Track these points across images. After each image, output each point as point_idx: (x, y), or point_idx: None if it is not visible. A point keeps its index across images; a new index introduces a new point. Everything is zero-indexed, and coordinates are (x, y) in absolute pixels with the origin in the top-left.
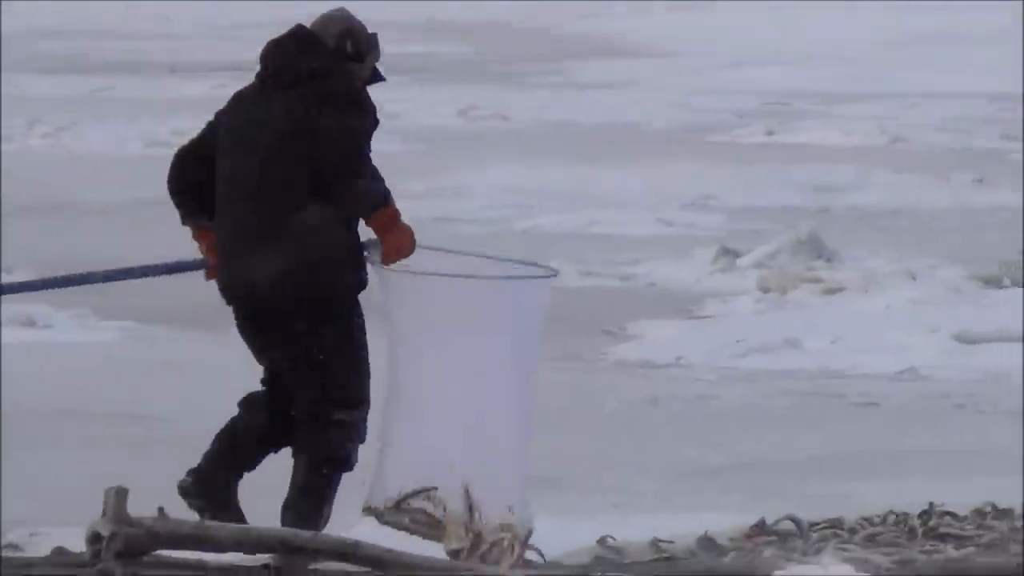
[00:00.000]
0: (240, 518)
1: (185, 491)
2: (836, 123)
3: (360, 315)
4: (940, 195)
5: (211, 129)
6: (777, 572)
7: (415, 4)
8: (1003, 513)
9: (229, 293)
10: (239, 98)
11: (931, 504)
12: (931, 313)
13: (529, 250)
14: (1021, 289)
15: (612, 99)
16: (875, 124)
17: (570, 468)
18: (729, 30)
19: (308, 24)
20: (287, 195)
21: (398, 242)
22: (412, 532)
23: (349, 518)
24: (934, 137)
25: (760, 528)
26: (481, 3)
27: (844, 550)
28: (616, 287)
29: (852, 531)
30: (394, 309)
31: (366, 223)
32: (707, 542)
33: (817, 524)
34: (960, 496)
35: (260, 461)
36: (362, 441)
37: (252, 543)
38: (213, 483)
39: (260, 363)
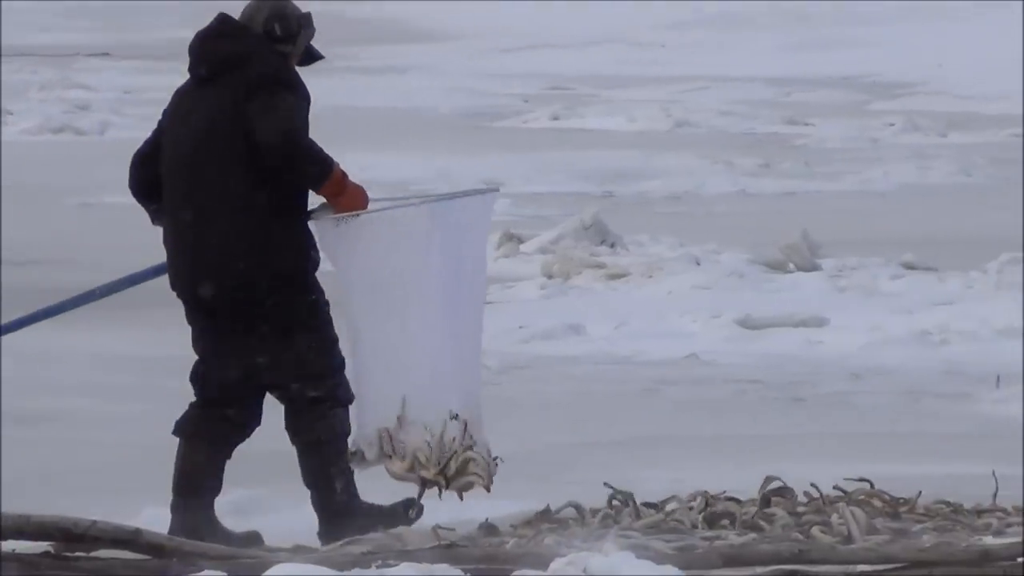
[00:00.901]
0: (227, 537)
1: None
2: (621, 108)
3: (319, 291)
4: (724, 180)
5: (159, 129)
6: (557, 558)
7: None
8: (781, 493)
9: (180, 289)
10: (177, 94)
11: (706, 492)
12: (714, 298)
13: None
14: (804, 273)
15: (397, 84)
16: (659, 108)
17: None
18: (514, 14)
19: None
20: (225, 185)
21: (351, 204)
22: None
23: (132, 507)
24: (718, 122)
25: (543, 515)
26: None
27: (625, 536)
28: None
29: (635, 517)
30: (339, 260)
31: (316, 193)
32: (489, 528)
33: (599, 510)
34: (742, 482)
35: (222, 475)
36: (349, 402)
37: (33, 530)
38: (199, 533)
39: (206, 354)
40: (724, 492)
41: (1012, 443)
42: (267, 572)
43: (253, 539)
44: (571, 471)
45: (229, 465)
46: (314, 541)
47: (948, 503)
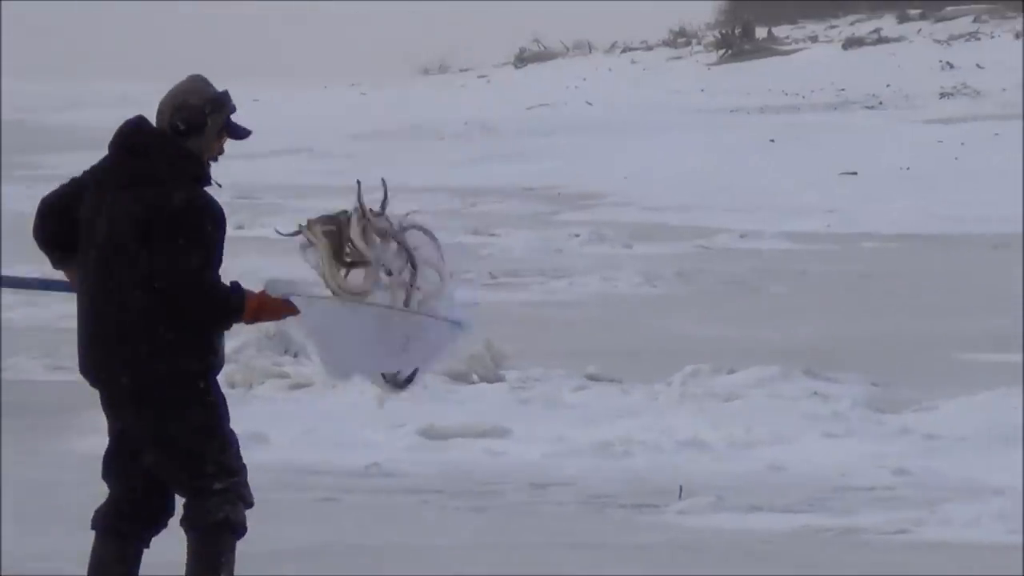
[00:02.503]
0: None
1: None
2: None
3: (218, 393)
4: None
5: (77, 187)
6: None
7: None
8: None
9: (90, 378)
10: (99, 172)
11: None
12: (397, 408)
13: None
14: (487, 384)
15: None
16: None
17: (33, 565)
18: None
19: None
20: (130, 291)
21: (273, 316)
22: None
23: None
24: None
25: None
26: None
27: None
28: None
29: None
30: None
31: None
32: None
33: None
34: None
35: (137, 570)
36: (248, 505)
37: None
38: None
39: (111, 449)
40: None
41: (696, 554)
42: None
43: None
44: None
45: None
46: None
47: None
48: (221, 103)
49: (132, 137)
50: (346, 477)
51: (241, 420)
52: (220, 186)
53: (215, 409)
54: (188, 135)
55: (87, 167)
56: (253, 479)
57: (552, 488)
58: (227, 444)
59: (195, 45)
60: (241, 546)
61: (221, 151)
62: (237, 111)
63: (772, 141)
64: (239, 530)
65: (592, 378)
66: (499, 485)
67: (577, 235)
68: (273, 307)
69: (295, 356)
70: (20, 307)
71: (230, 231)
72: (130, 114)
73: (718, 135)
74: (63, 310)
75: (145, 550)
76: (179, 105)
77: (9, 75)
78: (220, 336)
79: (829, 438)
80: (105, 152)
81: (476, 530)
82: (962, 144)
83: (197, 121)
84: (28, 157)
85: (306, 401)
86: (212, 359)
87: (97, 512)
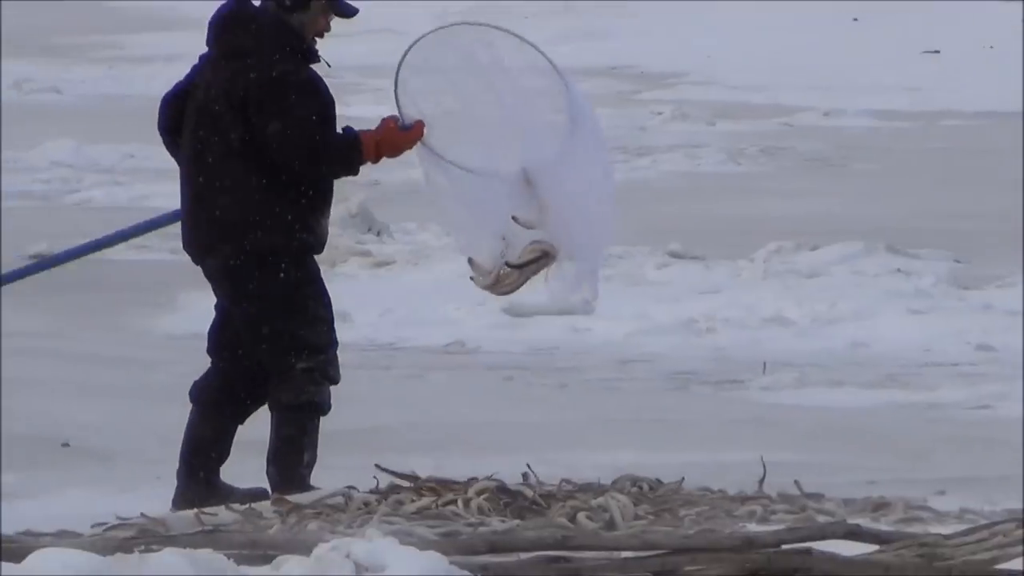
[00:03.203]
0: (237, 493)
1: None
2: (388, 96)
3: (308, 271)
4: None
5: (191, 76)
6: (321, 544)
7: None
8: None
9: (189, 252)
10: (204, 56)
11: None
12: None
13: (80, 224)
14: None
15: (166, 72)
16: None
17: (119, 442)
18: None
19: None
20: (222, 164)
21: (395, 151)
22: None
23: None
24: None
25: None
26: None
27: (389, 522)
28: (166, 260)
29: (399, 503)
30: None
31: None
32: (251, 513)
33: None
34: (508, 467)
35: (230, 443)
36: (333, 383)
37: None
38: (201, 501)
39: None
40: (496, 473)
41: (779, 430)
42: (29, 557)
43: (258, 495)
44: (337, 456)
45: None
46: (79, 526)
47: (712, 490)
48: None
49: (234, 12)
50: (429, 355)
51: None
52: (330, 65)
53: (301, 287)
54: (292, 10)
55: (168, 48)
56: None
57: (635, 365)
58: (313, 321)
59: None
60: (326, 423)
61: (327, 28)
62: None
63: (855, 20)
64: (323, 408)
65: (675, 255)
66: (582, 362)
67: (660, 113)
68: (393, 140)
69: (378, 234)
70: (103, 186)
71: None
72: None
73: (801, 13)
74: (145, 190)
75: (240, 426)
76: None
77: None
78: (319, 214)
79: (912, 314)
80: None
81: (559, 407)
82: None
83: None
84: (112, 37)
85: (388, 279)
86: (304, 236)
87: (196, 384)
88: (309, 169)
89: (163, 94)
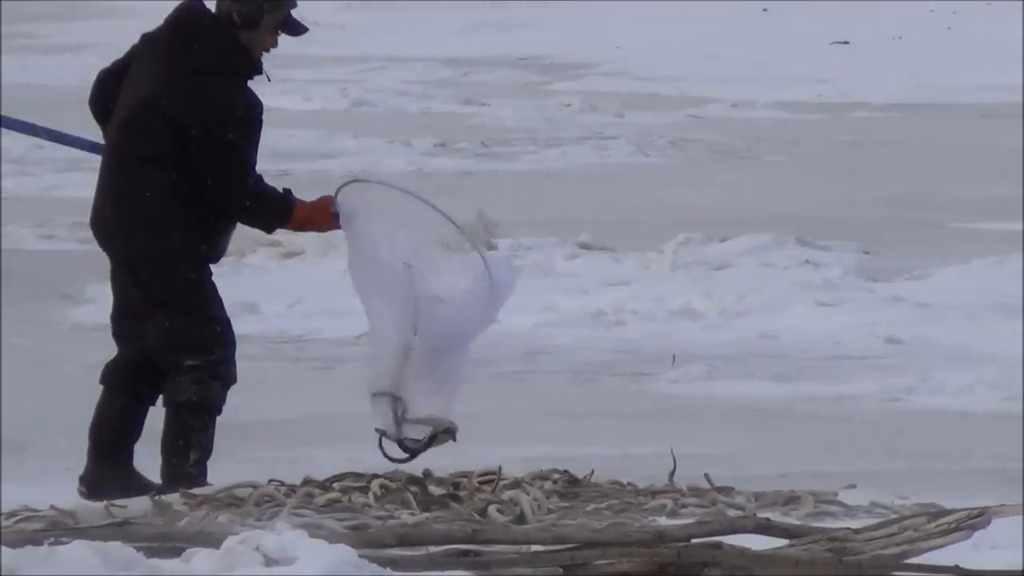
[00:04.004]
0: (146, 485)
1: (86, 497)
2: (297, 87)
3: (201, 275)
4: (400, 159)
5: (129, 58)
6: (230, 536)
7: None
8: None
9: (97, 237)
10: (144, 43)
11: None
12: None
13: None
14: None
15: (73, 62)
16: (336, 88)
17: (29, 433)
18: None
19: None
20: (137, 161)
21: (318, 229)
22: None
23: None
24: (395, 101)
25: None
26: None
27: (299, 515)
28: (76, 250)
29: (309, 496)
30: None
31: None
32: (161, 506)
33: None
34: (421, 461)
35: (142, 425)
36: (224, 383)
37: None
38: (107, 480)
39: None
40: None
41: (688, 423)
42: None
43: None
44: (244, 449)
45: None
46: None
47: (622, 483)
48: None
49: (185, 18)
50: (338, 346)
51: (232, 289)
52: (270, 79)
53: (193, 289)
54: (243, 28)
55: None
56: (244, 349)
57: (544, 357)
58: (203, 321)
59: None
60: (233, 416)
61: (274, 45)
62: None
63: (765, 11)
64: (209, 407)
65: (584, 247)
66: (491, 354)
67: (569, 104)
68: (321, 220)
69: None
70: (11, 176)
71: None
72: None
73: (711, 4)
74: (55, 180)
75: (152, 407)
76: None
77: None
78: (223, 231)
79: (821, 306)
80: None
81: (467, 399)
82: (954, 13)
83: (254, 16)
84: (21, 26)
85: (298, 270)
86: (204, 248)
87: (106, 367)
88: (235, 212)
89: (101, 70)
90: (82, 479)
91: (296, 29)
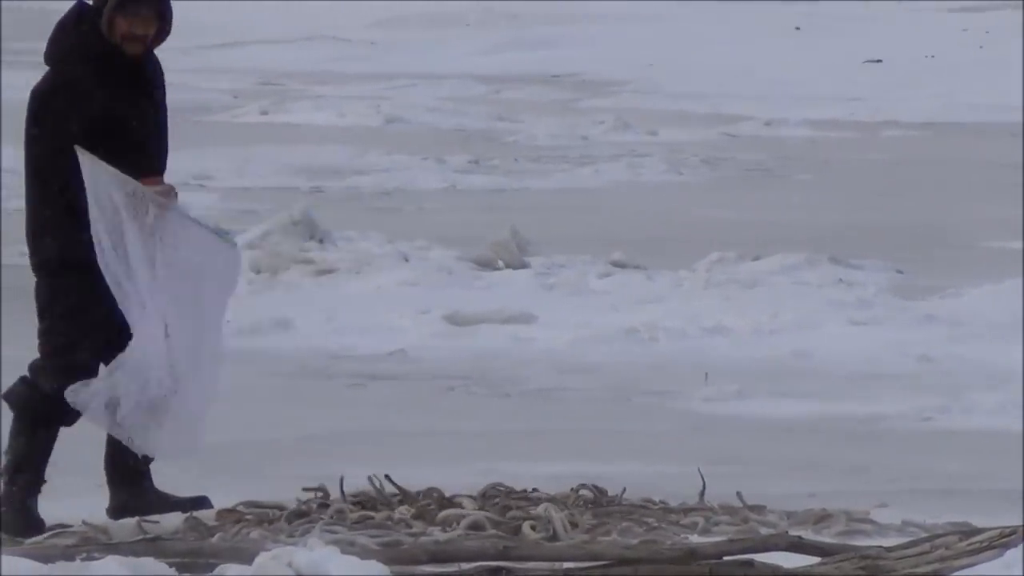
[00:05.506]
0: (172, 503)
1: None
2: (330, 103)
3: (76, 280)
4: (434, 176)
5: None
6: (262, 553)
7: None
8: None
9: None
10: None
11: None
12: (423, 295)
13: None
14: (512, 270)
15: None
16: (369, 105)
17: (61, 449)
18: (220, 10)
19: None
20: (28, 171)
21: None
22: None
23: None
24: (428, 118)
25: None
26: None
27: (331, 531)
28: None
29: (341, 512)
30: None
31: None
32: (193, 522)
33: (303, 506)
34: (449, 478)
35: (51, 449)
36: (42, 392)
37: None
38: (128, 510)
39: None
40: (431, 488)
41: (720, 440)
42: None
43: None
44: (277, 466)
45: None
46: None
47: (654, 501)
48: None
49: (63, 18)
50: (371, 363)
51: (266, 306)
52: (136, 75)
53: (60, 297)
54: (98, 14)
55: None
56: (277, 365)
57: (577, 374)
58: (51, 330)
59: None
60: (267, 431)
61: (130, 35)
62: None
63: (797, 29)
64: (23, 415)
65: (617, 265)
66: (524, 371)
67: (602, 122)
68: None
69: (320, 242)
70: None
71: (254, 117)
72: None
73: (743, 23)
74: None
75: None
76: None
77: None
78: (73, 228)
79: (854, 325)
80: None
81: (501, 416)
82: (987, 32)
83: None
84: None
85: (331, 287)
86: (71, 249)
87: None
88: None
89: None
90: (107, 510)
91: (128, 9)
